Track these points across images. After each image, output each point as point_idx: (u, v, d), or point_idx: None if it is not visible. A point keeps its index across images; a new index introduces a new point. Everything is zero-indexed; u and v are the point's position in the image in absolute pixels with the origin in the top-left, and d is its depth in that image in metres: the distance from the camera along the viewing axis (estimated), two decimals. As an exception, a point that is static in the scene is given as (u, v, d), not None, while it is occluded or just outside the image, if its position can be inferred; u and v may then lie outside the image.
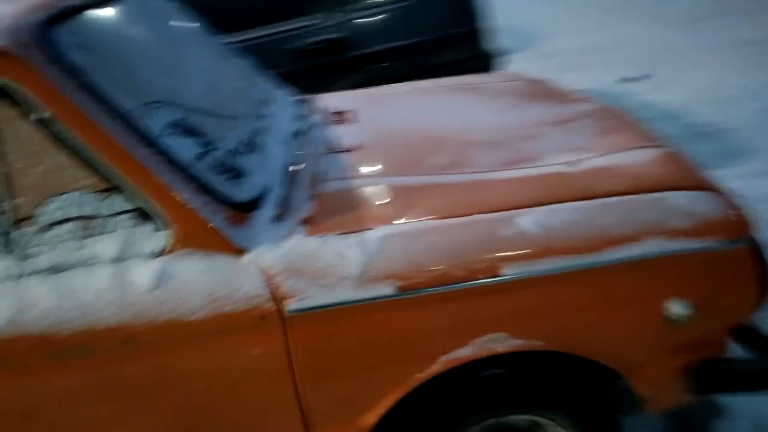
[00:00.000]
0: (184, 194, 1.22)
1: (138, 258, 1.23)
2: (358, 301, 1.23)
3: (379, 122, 1.93)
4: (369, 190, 1.44)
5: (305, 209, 1.38)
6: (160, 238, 1.23)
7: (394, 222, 1.31)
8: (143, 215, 1.23)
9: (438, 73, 3.48)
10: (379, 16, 3.59)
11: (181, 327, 1.21)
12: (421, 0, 3.60)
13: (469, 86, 2.27)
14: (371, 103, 2.14)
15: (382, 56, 3.58)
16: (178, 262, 1.22)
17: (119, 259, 1.23)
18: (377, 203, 1.39)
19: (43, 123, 1.18)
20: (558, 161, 1.52)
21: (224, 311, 1.21)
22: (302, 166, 1.57)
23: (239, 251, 1.24)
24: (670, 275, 1.29)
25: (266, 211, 1.34)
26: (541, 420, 1.45)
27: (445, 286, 1.25)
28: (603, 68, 6.13)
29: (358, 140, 1.77)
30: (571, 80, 5.69)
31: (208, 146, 1.36)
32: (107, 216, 1.24)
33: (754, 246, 1.32)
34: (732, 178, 3.04)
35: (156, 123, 1.29)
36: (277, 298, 1.22)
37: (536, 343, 1.30)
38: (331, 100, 2.22)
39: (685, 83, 5.32)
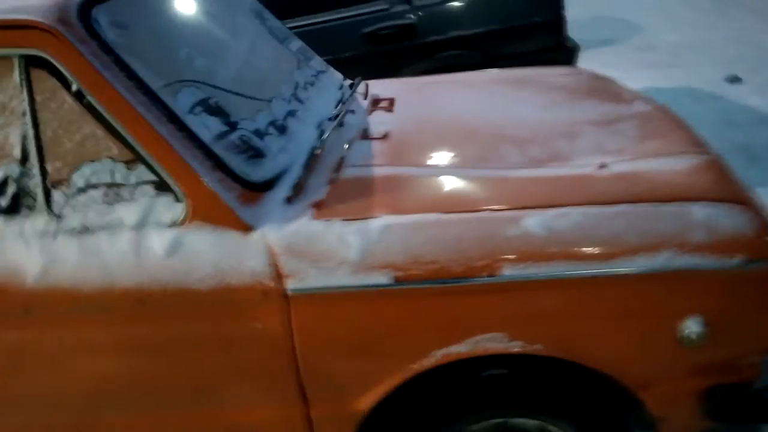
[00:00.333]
0: (200, 170, 1.28)
1: (156, 226, 1.31)
2: (355, 286, 1.25)
3: (418, 112, 1.93)
4: (384, 179, 1.45)
5: (319, 193, 1.41)
6: (177, 210, 1.30)
7: (400, 212, 1.31)
8: (164, 186, 1.31)
9: (513, 63, 3.41)
10: (454, 2, 3.54)
11: (190, 294, 1.28)
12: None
13: (524, 79, 2.21)
14: (418, 92, 2.14)
15: (455, 43, 3.54)
16: (190, 233, 1.29)
17: (140, 225, 1.31)
18: (389, 192, 1.39)
19: (78, 94, 1.28)
20: (587, 163, 1.47)
21: (230, 284, 1.27)
22: (327, 150, 1.60)
23: (248, 228, 1.29)
24: (686, 292, 1.23)
25: (280, 192, 1.38)
26: (550, 427, 1.42)
27: (441, 281, 1.24)
28: (709, 66, 5.74)
29: (391, 128, 1.78)
30: (671, 76, 5.41)
31: (232, 126, 1.42)
32: (133, 185, 1.32)
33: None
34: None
35: (183, 101, 1.36)
36: (279, 277, 1.27)
37: (536, 347, 1.27)
38: (380, 87, 2.23)
39: (796, 88, 4.91)
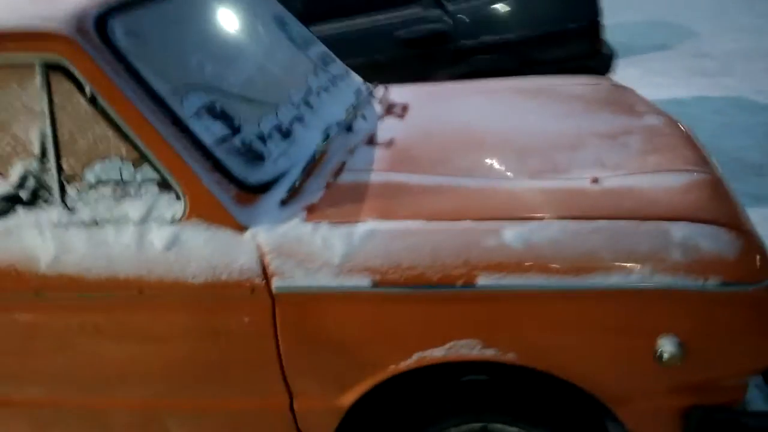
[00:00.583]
0: (198, 171, 1.37)
1: (158, 222, 1.40)
2: (336, 288, 1.31)
3: (428, 119, 1.97)
4: (379, 185, 1.50)
5: (314, 197, 1.47)
6: (177, 207, 1.39)
7: (386, 218, 1.36)
8: (166, 185, 1.40)
9: (547, 69, 3.40)
10: (489, 7, 3.55)
11: (184, 287, 1.37)
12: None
13: (542, 88, 2.22)
14: (434, 98, 2.18)
15: (488, 49, 3.54)
16: (188, 229, 1.38)
17: (143, 220, 1.40)
18: (380, 198, 1.44)
19: (91, 98, 1.38)
20: (583, 176, 1.48)
21: (221, 279, 1.35)
22: (330, 155, 1.66)
23: (241, 228, 1.37)
24: (660, 311, 1.23)
25: (276, 194, 1.45)
26: None
27: (419, 287, 1.28)
28: (765, 76, 5.54)
29: (398, 135, 1.82)
30: (723, 85, 5.24)
31: (235, 130, 1.50)
32: (139, 182, 1.42)
33: (766, 293, 1.21)
34: None
35: (189, 105, 1.44)
36: (266, 275, 1.34)
37: (509, 356, 1.30)
38: (400, 92, 2.28)
39: None
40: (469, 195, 1.43)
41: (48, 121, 1.41)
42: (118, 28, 1.44)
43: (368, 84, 2.39)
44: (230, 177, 1.41)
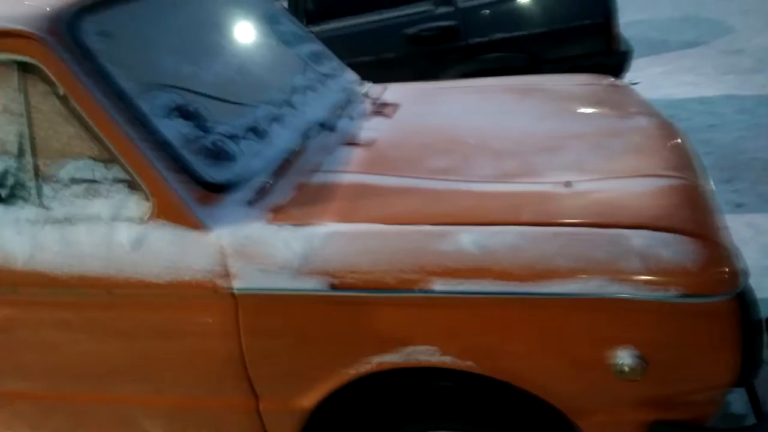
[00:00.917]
0: (164, 172, 1.38)
1: (126, 221, 1.41)
2: (295, 290, 1.31)
3: (415, 119, 1.95)
4: (349, 187, 1.49)
5: (283, 197, 1.47)
6: (145, 207, 1.41)
7: (348, 221, 1.35)
8: (135, 185, 1.41)
9: (558, 67, 3.34)
10: (499, 3, 3.49)
11: (150, 287, 1.38)
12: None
13: (536, 87, 2.18)
14: (426, 98, 2.15)
15: (498, 46, 3.50)
16: (154, 229, 1.39)
17: (113, 219, 1.42)
18: (347, 200, 1.43)
19: (64, 98, 1.40)
20: (554, 180, 1.45)
21: (184, 279, 1.36)
22: (308, 155, 1.66)
23: (205, 228, 1.37)
24: (618, 321, 1.19)
25: (243, 195, 1.45)
26: None
27: (374, 291, 1.27)
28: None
29: (378, 135, 1.81)
30: (754, 83, 5.06)
31: (205, 130, 1.51)
32: (110, 182, 1.44)
33: (730, 306, 1.16)
34: None
35: (158, 106, 1.46)
36: (227, 276, 1.34)
37: (467, 364, 1.28)
38: (394, 91, 2.27)
39: None
40: (435, 198, 1.41)
41: (26, 121, 1.45)
42: (89, 28, 1.46)
43: (364, 82, 2.39)
44: (196, 177, 1.41)
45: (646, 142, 1.63)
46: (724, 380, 1.21)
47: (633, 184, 1.39)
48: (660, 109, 4.85)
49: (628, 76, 5.82)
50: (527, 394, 1.34)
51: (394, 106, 2.09)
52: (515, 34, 3.48)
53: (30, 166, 1.47)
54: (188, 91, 1.56)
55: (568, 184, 1.41)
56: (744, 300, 1.17)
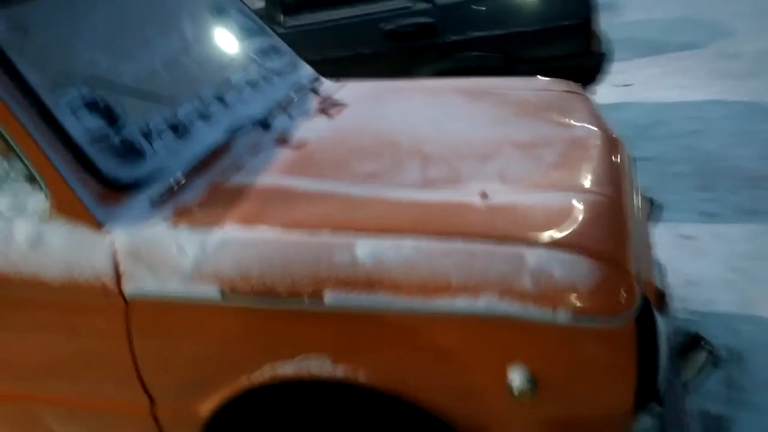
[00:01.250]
0: (61, 168, 1.33)
1: (25, 218, 1.37)
2: (186, 295, 1.27)
3: (357, 120, 1.90)
4: (263, 189, 1.45)
5: (191, 198, 1.43)
6: (43, 204, 1.37)
7: (247, 225, 1.30)
8: (35, 181, 1.37)
9: (534, 67, 3.27)
10: (478, 2, 3.42)
11: (43, 286, 1.34)
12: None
13: (488, 90, 2.12)
14: (377, 98, 2.10)
15: (475, 44, 3.43)
16: (51, 227, 1.35)
17: (13, 216, 1.38)
18: (255, 203, 1.39)
19: None
20: (474, 189, 1.39)
21: (77, 280, 1.32)
22: (233, 154, 1.61)
23: (100, 227, 1.33)
24: (508, 341, 1.14)
25: (147, 194, 1.41)
26: None
27: (265, 300, 1.23)
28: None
29: (313, 135, 1.76)
30: (748, 88, 4.97)
31: (114, 126, 1.47)
32: (13, 177, 1.40)
33: (623, 330, 1.11)
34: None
35: (65, 101, 1.41)
36: (119, 278, 1.30)
37: (360, 377, 1.23)
38: (348, 89, 2.21)
39: None
40: (347, 204, 1.36)
41: None
42: (1, 21, 1.42)
43: (320, 79, 2.33)
44: (98, 175, 1.37)
45: (579, 154, 1.57)
46: (619, 405, 1.15)
47: (548, 197, 1.34)
48: (646, 113, 4.72)
49: (622, 78, 5.74)
50: (423, 412, 1.29)
51: (341, 105, 2.04)
52: (492, 32, 3.41)
53: None
54: (104, 86, 1.51)
55: (484, 195, 1.36)
56: (641, 324, 1.12)
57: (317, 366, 1.24)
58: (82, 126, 1.41)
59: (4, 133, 1.35)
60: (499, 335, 1.14)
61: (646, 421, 1.25)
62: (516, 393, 1.15)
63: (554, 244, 1.16)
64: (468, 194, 1.38)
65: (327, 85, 2.28)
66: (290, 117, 1.91)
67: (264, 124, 1.80)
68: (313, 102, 2.07)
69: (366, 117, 1.93)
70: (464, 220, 1.27)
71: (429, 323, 1.17)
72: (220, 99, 1.79)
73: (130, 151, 1.46)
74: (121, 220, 1.35)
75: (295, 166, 1.57)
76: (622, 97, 5.24)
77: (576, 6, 3.33)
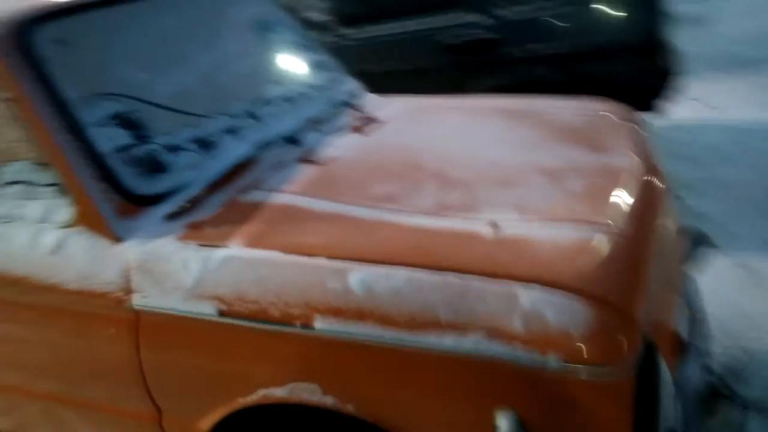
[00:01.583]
0: (85, 180, 1.40)
1: (52, 225, 1.45)
2: (184, 312, 1.29)
3: (387, 138, 1.88)
4: (277, 208, 1.45)
5: (206, 214, 1.46)
6: (69, 214, 1.43)
7: (250, 245, 1.32)
8: (64, 191, 1.44)
9: (596, 84, 3.15)
10: (539, 15, 3.32)
11: (60, 292, 1.41)
12: (590, 2, 3.23)
13: (528, 112, 2.05)
14: (413, 116, 2.08)
15: (535, 59, 3.33)
16: (73, 236, 1.42)
17: (41, 221, 1.46)
18: (266, 223, 1.39)
19: (8, 102, 1.45)
20: (487, 218, 1.35)
21: (91, 289, 1.38)
22: (251, 170, 1.64)
23: (117, 239, 1.38)
24: (495, 383, 1.09)
25: (164, 208, 1.45)
26: None
27: (259, 322, 1.23)
28: None
29: (340, 153, 1.76)
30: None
31: (140, 140, 1.52)
32: (44, 185, 1.48)
33: (619, 381, 1.03)
34: None
35: (94, 113, 1.48)
36: (129, 290, 1.34)
37: (347, 407, 1.21)
38: (390, 105, 2.20)
39: None
40: (354, 228, 1.35)
41: None
42: (42, 35, 1.50)
43: (365, 94, 2.33)
44: (119, 188, 1.42)
45: (607, 185, 1.49)
46: None
47: (561, 232, 1.27)
48: (726, 134, 4.41)
49: (703, 95, 5.42)
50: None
51: (376, 123, 2.03)
52: (552, 47, 3.31)
53: None
54: (137, 100, 1.57)
55: (494, 225, 1.31)
56: (642, 376, 1.04)
57: (307, 393, 1.23)
58: (109, 139, 1.47)
59: (38, 143, 1.43)
60: (488, 376, 1.09)
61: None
62: (503, 438, 1.10)
63: (552, 284, 1.10)
64: (478, 223, 1.34)
65: (369, 101, 2.27)
66: (321, 134, 1.92)
67: (293, 141, 1.82)
68: (350, 119, 2.07)
69: (398, 136, 1.91)
70: (465, 252, 1.23)
71: (418, 358, 1.14)
72: (252, 114, 1.82)
73: (154, 166, 1.51)
74: (137, 233, 1.39)
75: (312, 186, 1.57)
76: (701, 116, 4.95)
77: (640, 21, 3.16)
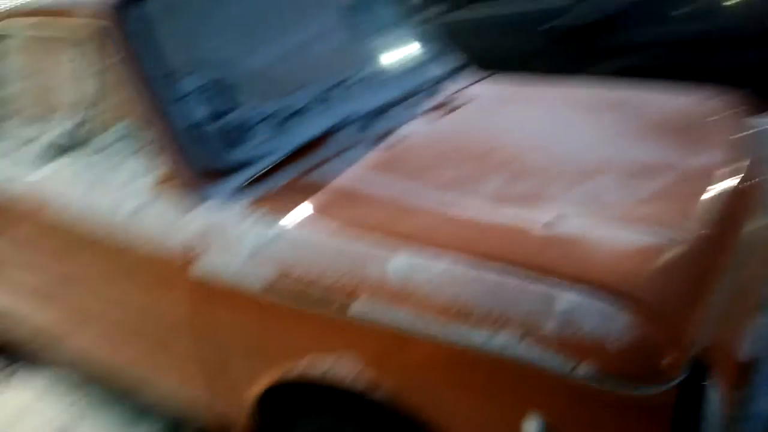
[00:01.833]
0: (168, 148, 1.50)
1: (139, 185, 1.57)
2: (234, 282, 1.36)
3: (470, 119, 1.84)
4: (336, 188, 1.47)
5: (275, 187, 1.51)
6: (153, 178, 1.55)
7: (303, 223, 1.34)
8: (152, 156, 1.56)
9: (712, 75, 2.89)
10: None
11: (133, 253, 1.54)
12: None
13: (623, 101, 1.90)
14: (504, 98, 2.01)
15: (646, 45, 3.10)
16: (153, 201, 1.53)
17: (128, 182, 1.59)
18: (323, 202, 1.42)
19: (113, 66, 1.58)
20: (549, 212, 1.29)
21: (161, 252, 1.48)
22: (326, 146, 1.67)
23: (189, 208, 1.47)
24: (528, 385, 1.04)
25: (238, 179, 1.52)
26: None
27: (299, 300, 1.27)
28: None
29: (415, 134, 1.75)
30: None
31: (222, 113, 1.60)
32: (135, 149, 1.60)
33: (656, 401, 0.96)
34: None
35: (182, 87, 1.57)
36: (193, 256, 1.43)
37: (379, 392, 1.21)
38: (484, 84, 2.15)
39: None
40: (404, 212, 1.34)
41: (94, 82, 1.64)
42: (144, 11, 1.60)
43: (457, 75, 2.27)
44: (197, 158, 1.51)
45: (690, 187, 1.36)
46: None
47: (622, 234, 1.19)
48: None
49: None
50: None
51: (461, 104, 1.99)
52: (671, 30, 3.05)
53: (90, 121, 1.68)
54: (222, 74, 1.65)
55: (551, 220, 1.25)
56: (680, 398, 0.96)
57: (342, 375, 1.25)
58: (192, 112, 1.56)
59: (135, 108, 1.54)
60: (518, 377, 1.06)
61: None
62: (531, 442, 1.06)
63: (594, 289, 1.04)
64: (536, 217, 1.28)
65: (463, 81, 2.22)
66: (401, 113, 1.91)
67: (374, 118, 1.83)
68: (436, 98, 2.04)
69: (479, 119, 1.86)
70: (514, 245, 1.18)
71: (450, 351, 1.12)
72: (336, 91, 1.85)
73: (232, 138, 1.58)
74: (208, 203, 1.48)
75: (379, 166, 1.57)
76: None
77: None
